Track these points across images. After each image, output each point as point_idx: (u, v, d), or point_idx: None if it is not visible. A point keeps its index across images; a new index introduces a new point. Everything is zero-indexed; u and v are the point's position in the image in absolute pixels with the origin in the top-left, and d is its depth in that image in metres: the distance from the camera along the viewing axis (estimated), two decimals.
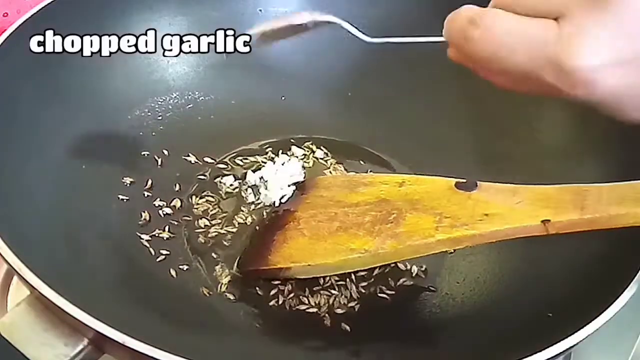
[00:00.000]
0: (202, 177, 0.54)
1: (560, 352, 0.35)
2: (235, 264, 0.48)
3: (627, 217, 0.36)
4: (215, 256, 0.49)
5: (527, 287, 0.46)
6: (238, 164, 0.55)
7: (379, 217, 0.42)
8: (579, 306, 0.40)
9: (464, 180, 0.42)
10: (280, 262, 0.45)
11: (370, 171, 0.56)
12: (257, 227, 0.50)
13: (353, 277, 0.48)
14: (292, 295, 0.47)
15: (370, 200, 0.43)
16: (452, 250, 0.46)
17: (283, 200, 0.52)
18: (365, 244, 0.42)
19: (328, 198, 0.46)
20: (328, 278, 0.48)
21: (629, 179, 0.39)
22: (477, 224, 0.39)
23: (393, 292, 0.48)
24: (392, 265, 0.49)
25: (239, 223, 0.51)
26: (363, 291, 0.48)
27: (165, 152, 0.55)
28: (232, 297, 0.46)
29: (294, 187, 0.52)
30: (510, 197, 0.40)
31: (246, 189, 0.53)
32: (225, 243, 0.50)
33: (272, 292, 0.47)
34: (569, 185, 0.39)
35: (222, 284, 0.47)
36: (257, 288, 0.47)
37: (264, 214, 0.52)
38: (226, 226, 0.51)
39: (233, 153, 0.56)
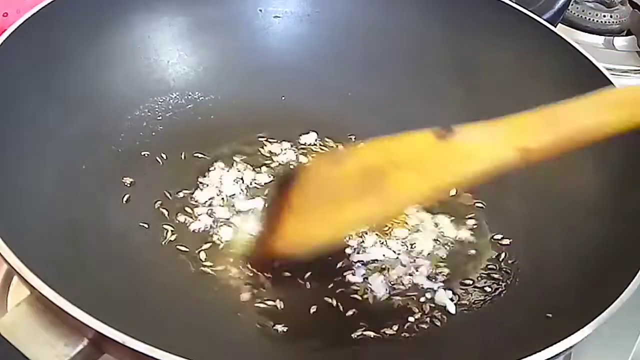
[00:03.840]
0: (202, 177, 0.54)
1: (560, 352, 0.35)
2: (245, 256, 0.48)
3: (602, 126, 0.37)
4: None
5: (527, 287, 0.46)
6: (238, 164, 0.55)
7: (365, 183, 0.43)
8: (578, 306, 0.40)
9: (442, 129, 0.41)
10: (283, 248, 0.45)
11: None
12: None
13: (352, 279, 0.48)
14: (292, 297, 0.47)
15: (356, 170, 0.44)
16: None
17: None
18: (355, 211, 0.43)
19: (316, 179, 0.46)
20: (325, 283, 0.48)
21: None
22: (458, 168, 0.40)
23: (391, 294, 0.48)
24: (391, 265, 0.49)
25: (239, 223, 0.51)
26: (362, 292, 0.48)
27: (165, 152, 0.55)
28: (233, 298, 0.46)
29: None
30: (487, 134, 0.40)
31: (245, 190, 0.53)
32: (226, 242, 0.50)
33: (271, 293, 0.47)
34: (542, 109, 0.39)
35: (223, 284, 0.47)
36: (256, 289, 0.47)
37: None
38: (227, 226, 0.51)
39: (233, 153, 0.56)
